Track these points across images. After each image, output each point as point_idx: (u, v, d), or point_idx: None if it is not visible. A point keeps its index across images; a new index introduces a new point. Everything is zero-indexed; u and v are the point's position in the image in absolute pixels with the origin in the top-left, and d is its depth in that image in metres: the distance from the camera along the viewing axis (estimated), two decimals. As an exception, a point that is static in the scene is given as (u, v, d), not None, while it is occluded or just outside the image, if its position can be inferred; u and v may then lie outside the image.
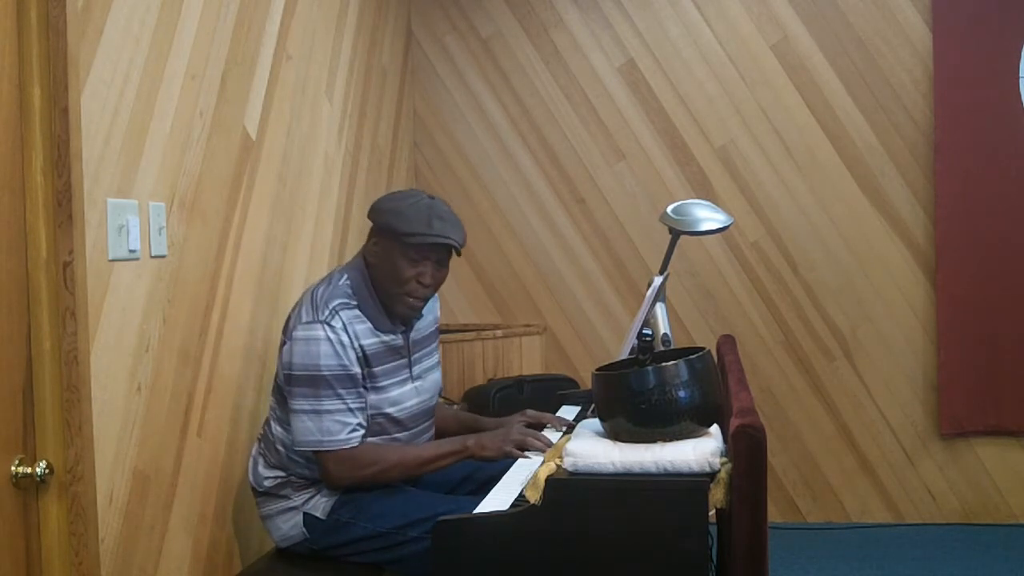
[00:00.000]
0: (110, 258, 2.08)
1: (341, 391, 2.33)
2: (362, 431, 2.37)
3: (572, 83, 4.48)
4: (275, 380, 2.49)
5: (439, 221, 2.36)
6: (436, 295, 2.57)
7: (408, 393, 2.50)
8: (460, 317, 4.61)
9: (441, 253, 2.41)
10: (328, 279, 2.46)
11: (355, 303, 2.40)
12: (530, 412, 2.66)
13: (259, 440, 2.55)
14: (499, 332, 4.24)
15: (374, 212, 2.44)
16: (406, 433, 2.50)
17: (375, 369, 2.41)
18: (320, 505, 2.42)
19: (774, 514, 4.36)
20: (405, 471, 2.42)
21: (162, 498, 2.30)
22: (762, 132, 4.35)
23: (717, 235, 3.70)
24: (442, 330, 4.33)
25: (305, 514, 2.43)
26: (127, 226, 2.13)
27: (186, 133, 2.42)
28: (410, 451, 2.46)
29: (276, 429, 2.47)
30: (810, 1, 4.29)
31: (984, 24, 4.14)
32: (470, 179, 4.59)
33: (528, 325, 4.47)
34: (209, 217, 2.55)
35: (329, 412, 2.33)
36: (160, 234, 2.27)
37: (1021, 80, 4.12)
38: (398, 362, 2.47)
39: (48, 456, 1.89)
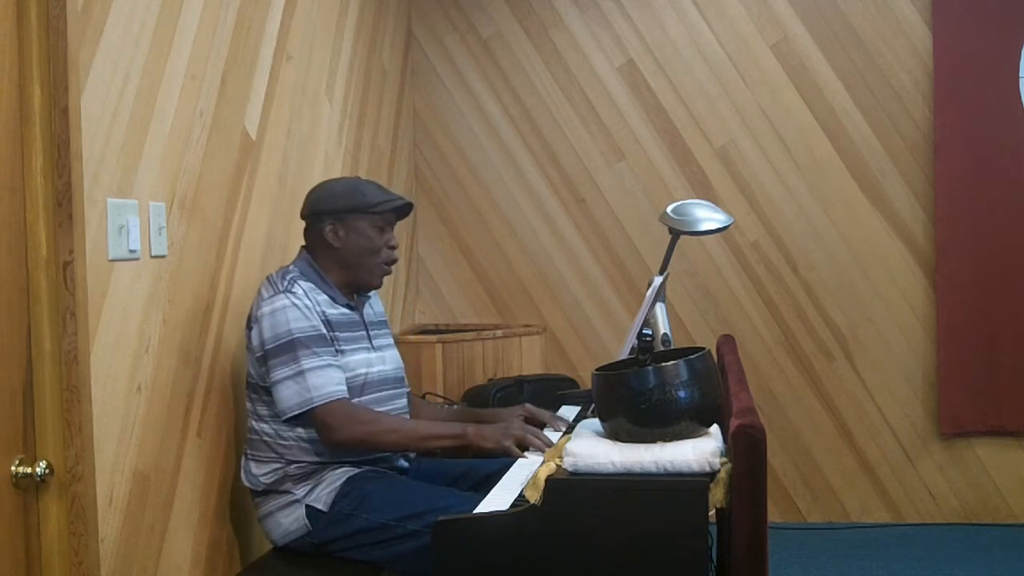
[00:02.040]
0: (110, 258, 2.08)
1: (317, 349, 2.40)
2: (345, 386, 2.43)
3: (572, 83, 4.48)
4: (248, 380, 2.52)
5: (385, 189, 2.62)
6: (376, 294, 2.74)
7: (375, 359, 2.58)
8: (460, 317, 4.61)
9: (394, 218, 2.62)
10: (277, 270, 2.57)
11: (307, 280, 2.52)
12: (529, 406, 2.69)
13: (246, 449, 2.55)
14: (499, 332, 4.24)
15: (322, 203, 2.56)
16: (373, 396, 2.55)
17: (338, 334, 2.49)
18: (322, 497, 2.43)
19: (774, 514, 4.36)
20: (401, 439, 2.46)
21: (162, 498, 2.30)
22: (762, 132, 4.35)
23: (717, 235, 3.71)
24: (442, 330, 4.36)
25: (307, 507, 2.43)
26: (127, 226, 2.13)
27: (186, 133, 2.42)
28: (408, 422, 2.57)
29: (259, 426, 2.49)
30: (810, 1, 4.29)
31: (984, 24, 4.14)
32: (470, 179, 4.59)
33: (528, 325, 4.47)
34: (209, 217, 2.55)
35: (311, 370, 2.38)
36: (160, 234, 2.27)
37: (1021, 80, 4.12)
38: (358, 332, 2.57)
39: (48, 456, 1.89)
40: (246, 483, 2.52)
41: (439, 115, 4.60)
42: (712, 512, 1.90)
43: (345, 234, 2.54)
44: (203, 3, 2.50)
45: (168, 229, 2.32)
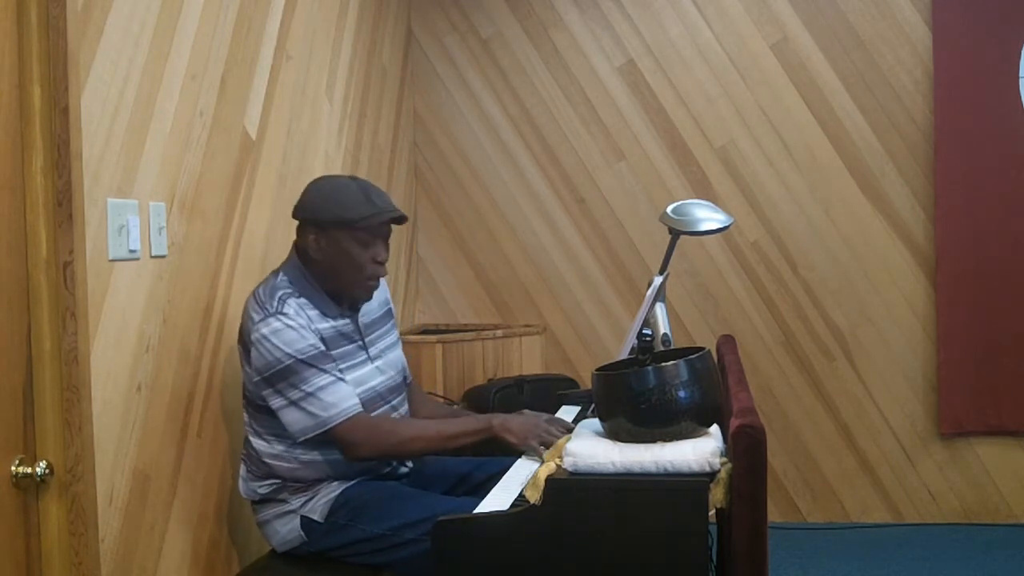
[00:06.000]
0: (110, 258, 2.08)
1: (323, 367, 2.31)
2: (358, 399, 2.35)
3: (572, 83, 4.48)
4: (244, 394, 2.45)
5: (377, 198, 2.41)
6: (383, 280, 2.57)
7: (370, 373, 2.48)
8: (460, 317, 4.61)
9: (387, 228, 2.44)
10: (264, 281, 2.45)
11: (298, 293, 2.39)
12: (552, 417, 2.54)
13: (243, 461, 2.49)
14: (499, 332, 4.24)
15: (306, 210, 2.43)
16: (375, 413, 2.46)
17: (332, 351, 2.38)
18: (317, 508, 2.40)
19: (774, 514, 4.36)
20: (428, 444, 2.38)
21: (162, 498, 2.30)
22: (762, 132, 4.35)
23: (717, 235, 3.70)
24: (442, 330, 4.36)
25: (302, 517, 2.40)
26: (127, 226, 2.13)
27: (186, 133, 2.42)
28: (430, 425, 2.44)
29: (257, 443, 2.42)
30: (810, 1, 4.29)
31: (984, 24, 4.14)
32: (470, 179, 4.59)
33: (528, 325, 4.47)
34: (209, 217, 2.55)
35: (322, 388, 2.30)
36: (160, 234, 2.27)
37: (1021, 80, 4.12)
38: (352, 346, 2.46)
39: (48, 456, 1.89)
40: (243, 495, 2.49)
41: (439, 115, 4.60)
42: (712, 512, 1.90)
43: (327, 246, 2.39)
44: (203, 3, 2.50)
45: (168, 229, 2.32)
